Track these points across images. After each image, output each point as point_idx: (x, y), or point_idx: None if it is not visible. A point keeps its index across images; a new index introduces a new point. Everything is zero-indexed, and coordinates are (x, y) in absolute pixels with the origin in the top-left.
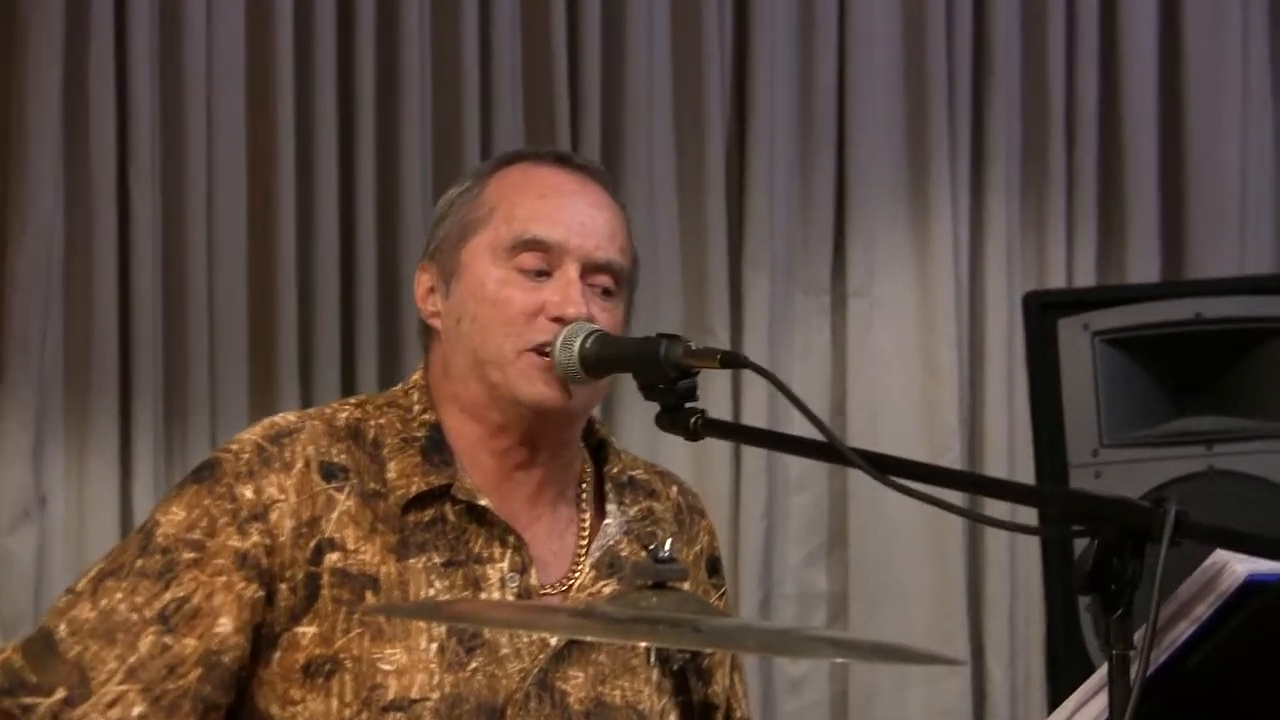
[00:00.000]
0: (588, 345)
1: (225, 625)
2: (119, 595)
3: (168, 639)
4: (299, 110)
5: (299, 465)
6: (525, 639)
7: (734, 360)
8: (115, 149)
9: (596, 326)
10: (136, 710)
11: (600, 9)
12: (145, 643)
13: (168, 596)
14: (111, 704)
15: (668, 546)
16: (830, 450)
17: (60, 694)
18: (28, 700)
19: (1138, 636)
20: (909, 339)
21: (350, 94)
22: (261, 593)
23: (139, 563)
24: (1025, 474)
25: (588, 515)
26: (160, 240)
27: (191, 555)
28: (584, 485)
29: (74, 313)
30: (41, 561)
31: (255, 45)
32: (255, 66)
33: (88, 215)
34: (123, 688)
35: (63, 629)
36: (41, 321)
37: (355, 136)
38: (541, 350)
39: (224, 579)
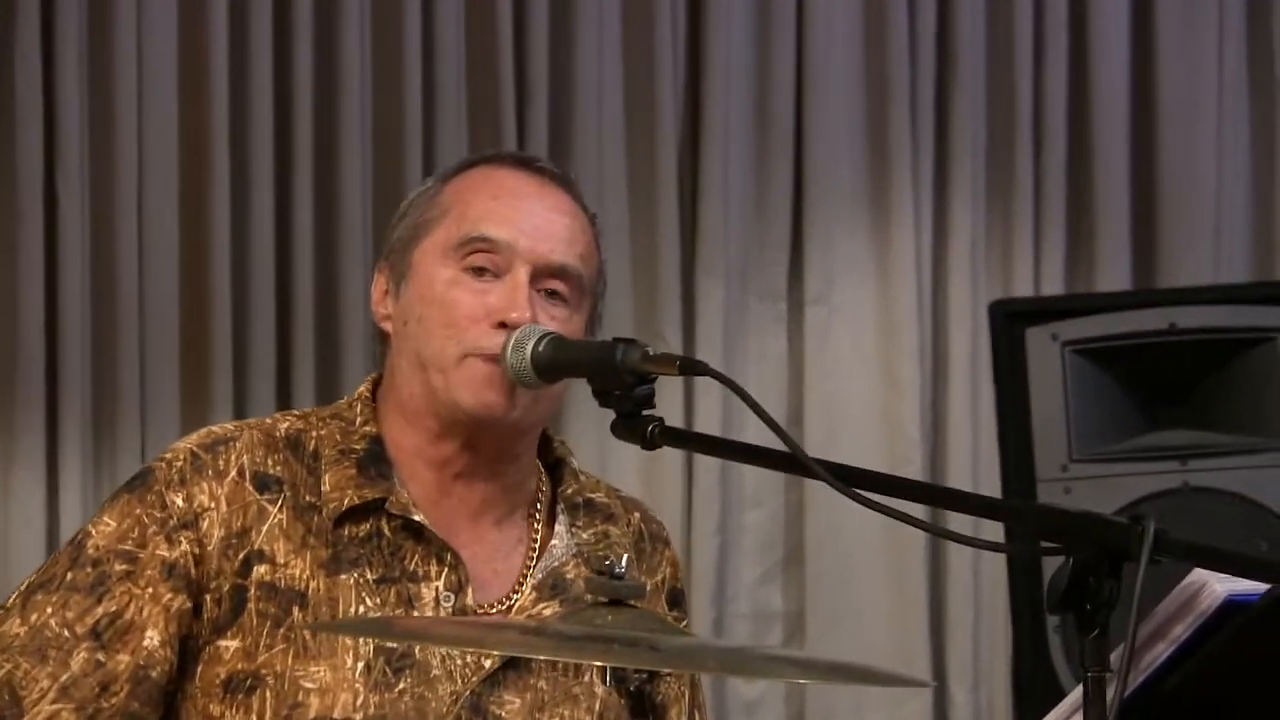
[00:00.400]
0: (541, 348)
1: (153, 638)
2: (50, 610)
3: (100, 655)
4: (233, 110)
5: (232, 474)
6: (458, 660)
7: (693, 367)
8: (42, 150)
9: (549, 329)
10: None
11: (548, 7)
12: (78, 660)
13: (100, 611)
14: None
15: (624, 562)
16: (793, 461)
17: None
18: None
19: (1114, 657)
20: (869, 348)
21: (287, 93)
22: (189, 604)
23: (70, 576)
24: (989, 489)
25: (539, 536)
26: (89, 245)
27: (123, 567)
28: (539, 505)
29: None
30: None
31: (188, 42)
32: (188, 65)
33: (13, 219)
34: (55, 707)
35: None
36: None
37: (292, 137)
38: (484, 355)
39: (151, 590)
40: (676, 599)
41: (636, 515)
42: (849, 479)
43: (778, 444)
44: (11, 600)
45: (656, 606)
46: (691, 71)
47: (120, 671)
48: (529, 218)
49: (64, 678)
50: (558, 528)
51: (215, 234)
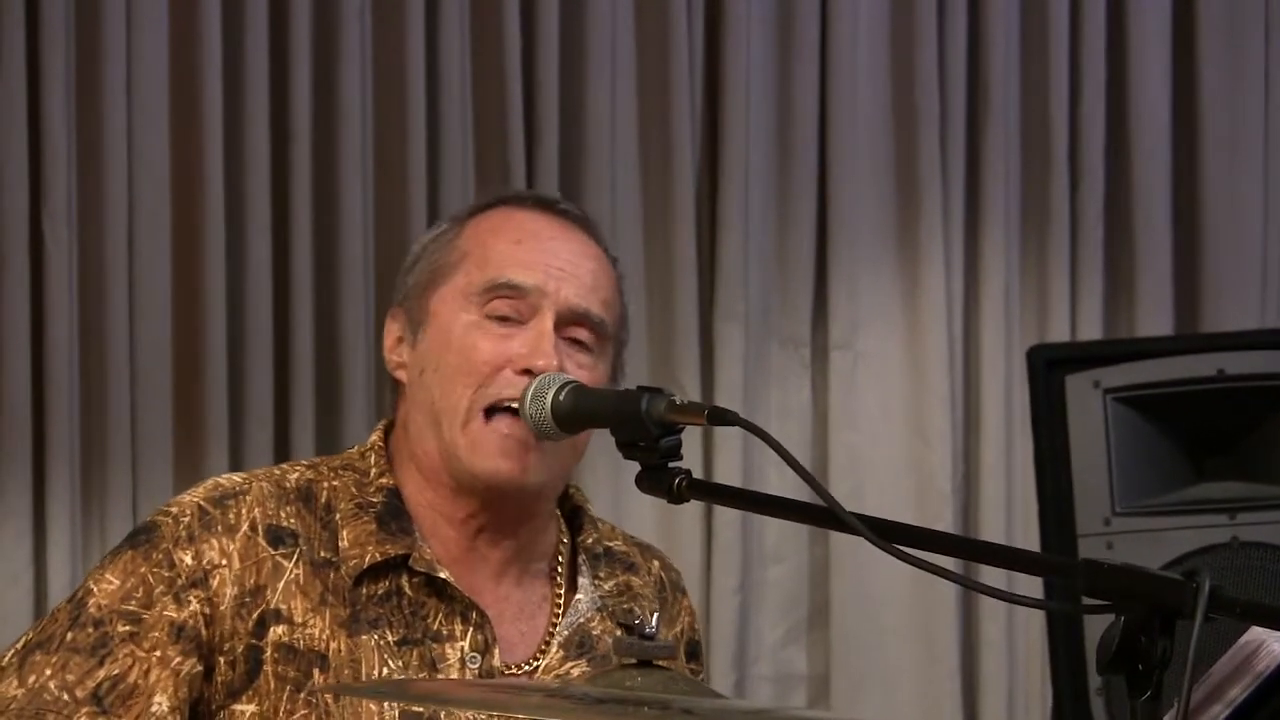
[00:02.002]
0: (561, 397)
1: (161, 704)
2: (48, 671)
3: None
4: (228, 145)
5: (244, 528)
6: None
7: (722, 417)
8: (27, 185)
9: (571, 378)
10: None
11: (559, 34)
12: None
13: (101, 674)
14: None
15: (654, 621)
16: (826, 515)
17: None
18: None
19: None
20: (897, 397)
21: (284, 127)
22: (200, 666)
23: (70, 636)
24: (1025, 544)
25: (562, 591)
26: (76, 288)
27: (126, 629)
28: (559, 558)
29: None
30: None
31: (179, 77)
32: (179, 99)
33: None
34: None
35: None
36: None
37: (289, 173)
38: (502, 408)
39: (159, 654)
40: (694, 650)
41: (656, 564)
42: (884, 533)
43: (806, 497)
44: (7, 658)
45: (676, 658)
46: (708, 104)
47: None
48: (553, 260)
49: None
50: (581, 581)
51: (209, 276)
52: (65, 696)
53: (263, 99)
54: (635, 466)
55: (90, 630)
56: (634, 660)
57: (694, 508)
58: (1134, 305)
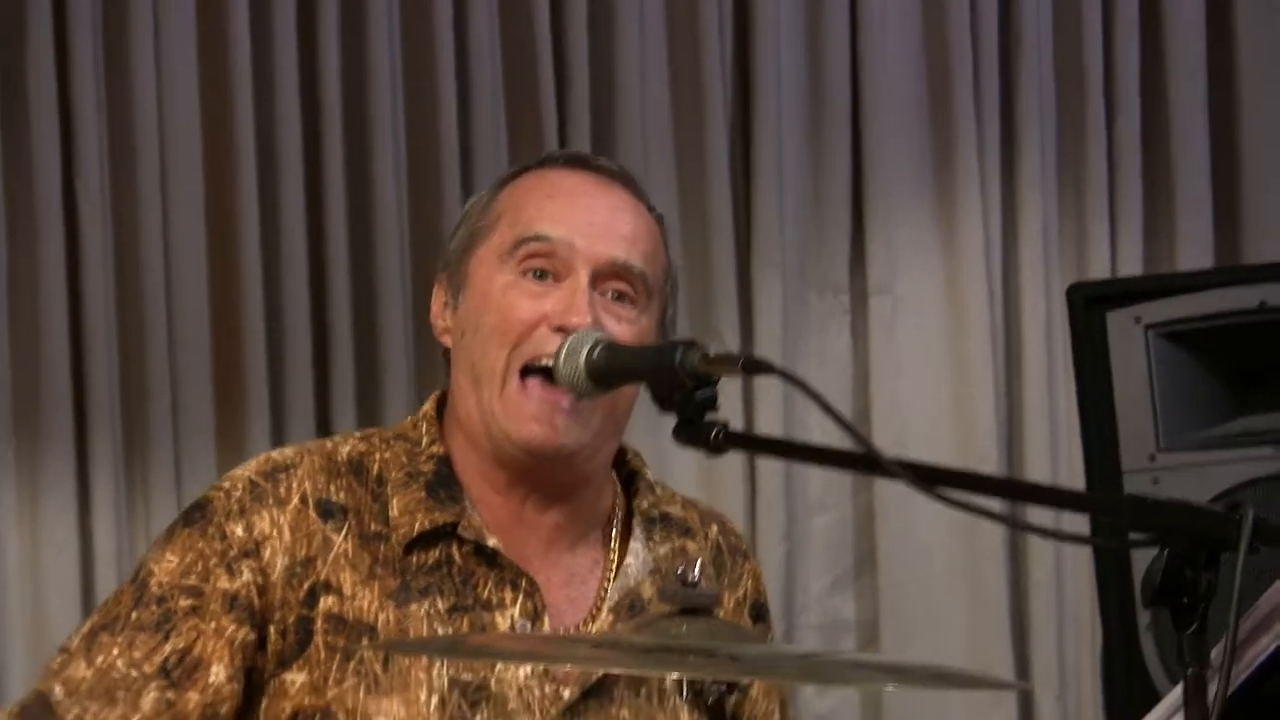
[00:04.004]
0: (594, 355)
1: (219, 674)
2: (115, 651)
3: (170, 694)
4: (259, 112)
5: (294, 502)
6: (536, 691)
7: (757, 366)
8: (59, 158)
9: (603, 335)
10: None
11: None
12: (148, 700)
13: (168, 649)
14: None
15: (698, 568)
16: (868, 461)
17: None
18: None
19: (1215, 654)
20: (937, 340)
21: (314, 95)
22: (253, 635)
23: (134, 615)
24: (1071, 483)
25: (615, 556)
26: (112, 256)
27: (189, 603)
28: (614, 523)
29: (20, 336)
30: None
31: (208, 43)
32: (210, 65)
33: (31, 230)
34: None
35: (59, 691)
36: None
37: (321, 140)
38: (537, 368)
39: (214, 625)
40: (760, 612)
41: (714, 528)
42: (927, 477)
43: (848, 443)
44: (75, 643)
45: (740, 622)
46: (739, 51)
47: (190, 710)
48: (588, 215)
49: (135, 719)
50: (633, 544)
51: (244, 244)
52: (134, 673)
53: (292, 66)
54: (673, 421)
55: (154, 608)
56: (679, 609)
57: (736, 460)
58: (1174, 240)
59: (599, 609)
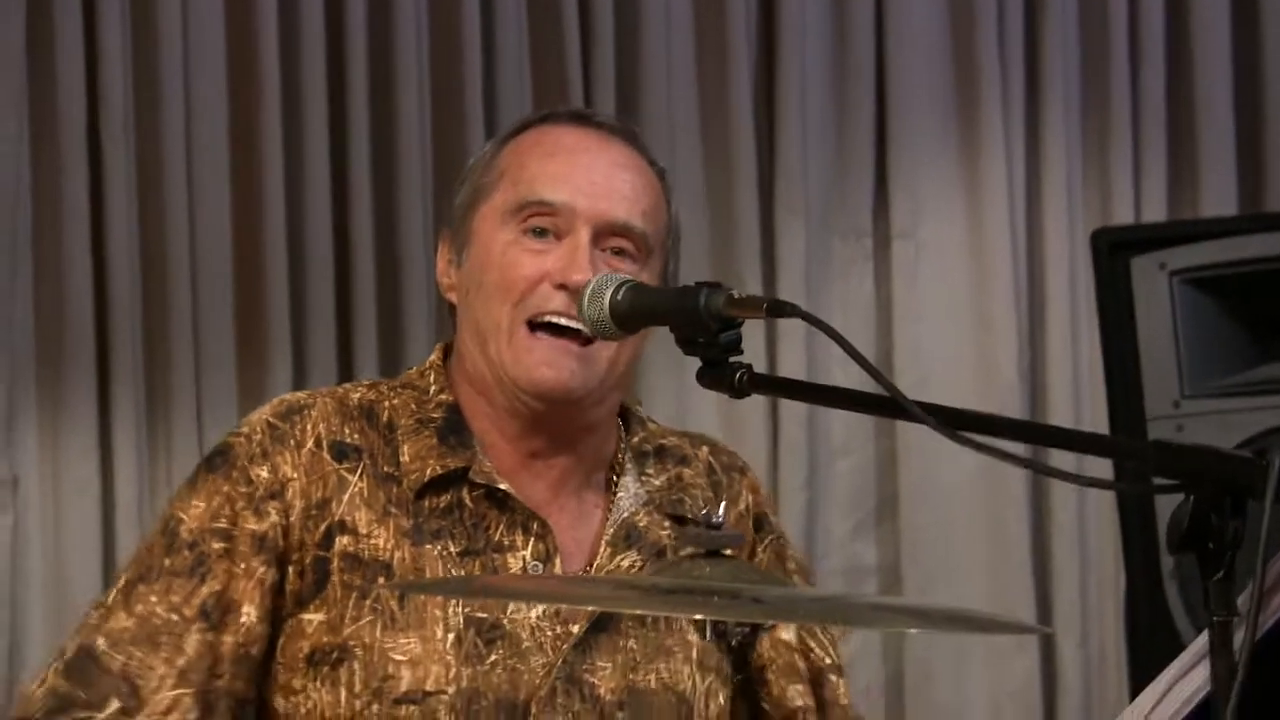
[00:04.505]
0: (619, 297)
1: (250, 614)
2: (154, 599)
3: (210, 636)
4: (284, 59)
5: (309, 444)
6: (547, 631)
7: (781, 309)
8: (84, 97)
9: (628, 276)
10: (192, 716)
11: None
12: (191, 643)
13: (205, 591)
14: (167, 711)
15: (721, 510)
16: (890, 404)
17: (114, 705)
18: (82, 715)
19: (1241, 600)
20: (960, 286)
21: (340, 42)
22: (277, 576)
23: (168, 562)
24: (1094, 430)
25: (615, 494)
26: (136, 195)
27: (220, 546)
28: (615, 466)
29: (44, 279)
30: (16, 547)
31: None
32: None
33: (55, 171)
34: (175, 693)
35: (102, 642)
36: (8, 290)
37: (345, 89)
38: (542, 323)
39: (244, 565)
40: (760, 521)
41: (704, 450)
42: (951, 420)
43: (870, 388)
44: (112, 597)
45: (745, 533)
46: (764, 1)
47: (225, 652)
48: (587, 174)
49: (180, 662)
50: (625, 480)
51: (268, 185)
52: (174, 617)
53: (317, 10)
54: (696, 363)
55: (186, 553)
56: (702, 550)
57: (759, 404)
58: (1198, 186)
59: (598, 546)
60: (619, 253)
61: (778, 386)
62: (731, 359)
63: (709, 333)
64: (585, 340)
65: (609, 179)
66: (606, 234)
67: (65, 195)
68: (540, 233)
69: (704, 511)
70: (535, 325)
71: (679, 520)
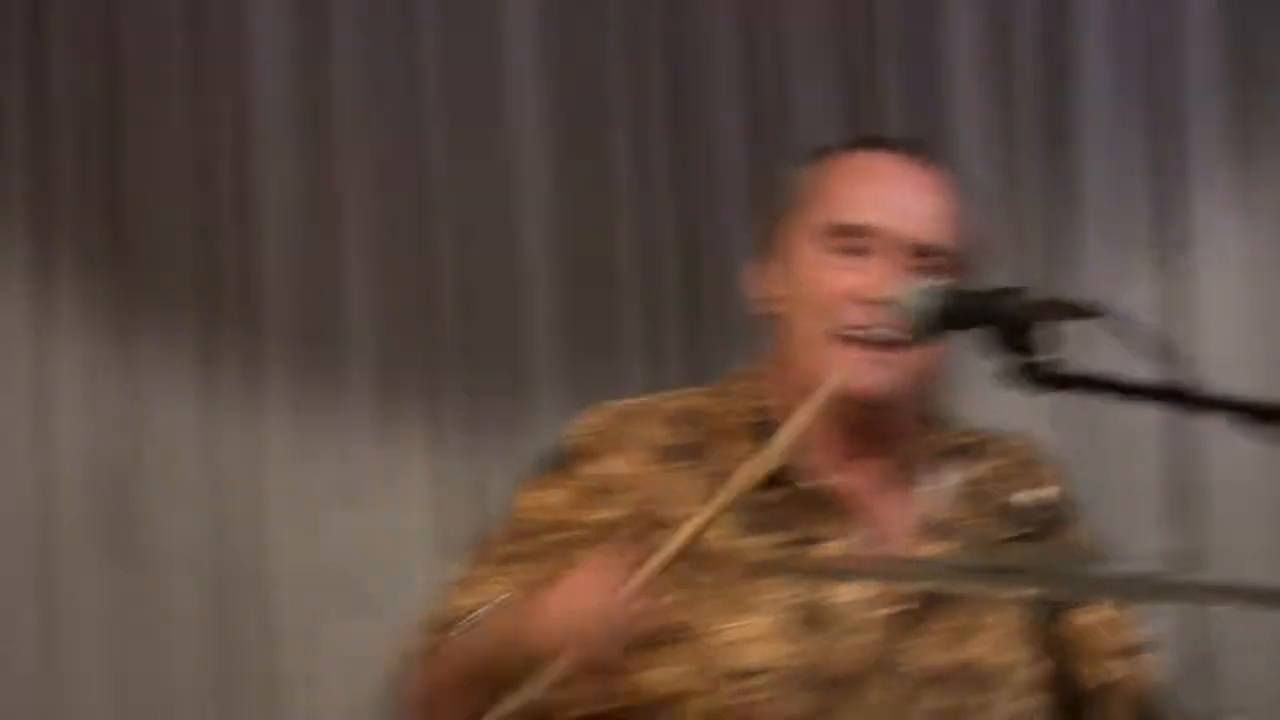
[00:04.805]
0: (932, 301)
1: None
2: (495, 582)
3: None
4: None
5: (640, 446)
6: (871, 613)
7: (1088, 311)
8: None
9: (937, 283)
10: None
11: None
12: None
13: (543, 575)
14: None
15: (1036, 495)
16: (1201, 401)
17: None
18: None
19: None
20: (1241, 293)
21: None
22: None
23: (508, 549)
24: None
25: (925, 489)
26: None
27: (561, 536)
28: (927, 462)
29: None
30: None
31: None
32: None
33: None
34: None
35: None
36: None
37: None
38: (853, 336)
39: (583, 553)
40: (1068, 507)
41: (1012, 442)
42: (1266, 416)
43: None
44: (454, 583)
45: (1056, 518)
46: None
47: None
48: (890, 198)
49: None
50: (937, 475)
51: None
52: (516, 592)
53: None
54: (985, 368)
55: (527, 542)
56: (1017, 533)
57: (1037, 410)
58: None
59: (914, 538)
60: (925, 270)
61: (1088, 384)
62: (1046, 357)
63: (1024, 334)
64: (895, 347)
65: (911, 203)
66: (913, 253)
67: None
68: (852, 252)
69: (1018, 497)
70: (846, 338)
71: (990, 511)
